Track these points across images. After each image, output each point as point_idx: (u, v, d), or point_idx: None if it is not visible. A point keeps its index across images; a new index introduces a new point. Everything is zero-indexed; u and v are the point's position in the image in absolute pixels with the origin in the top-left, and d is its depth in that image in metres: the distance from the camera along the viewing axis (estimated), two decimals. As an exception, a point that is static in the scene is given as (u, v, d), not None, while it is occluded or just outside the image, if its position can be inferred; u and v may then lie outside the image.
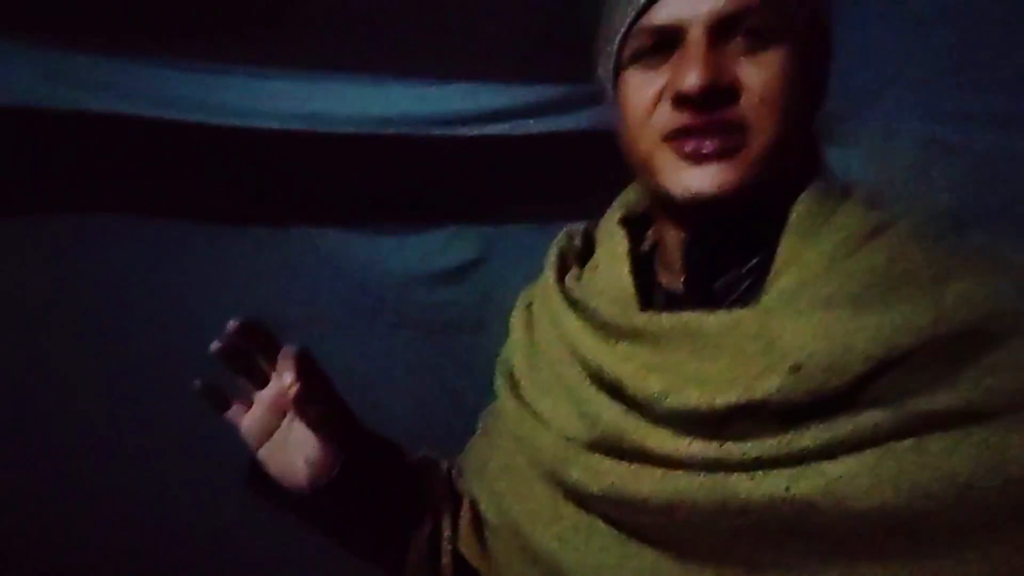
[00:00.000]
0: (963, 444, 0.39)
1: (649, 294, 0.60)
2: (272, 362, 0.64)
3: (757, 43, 0.50)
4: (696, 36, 0.50)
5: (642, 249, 0.65)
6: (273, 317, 2.41)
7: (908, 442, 0.40)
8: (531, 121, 1.87)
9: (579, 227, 0.72)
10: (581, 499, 0.50)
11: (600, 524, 0.49)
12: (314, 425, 0.62)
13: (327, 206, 2.17)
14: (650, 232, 0.67)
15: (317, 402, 0.62)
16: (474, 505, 0.64)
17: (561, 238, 0.71)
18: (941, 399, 0.40)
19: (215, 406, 0.67)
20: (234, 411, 0.66)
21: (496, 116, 1.84)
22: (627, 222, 0.64)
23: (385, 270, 2.26)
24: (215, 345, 0.62)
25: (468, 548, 0.64)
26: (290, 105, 1.71)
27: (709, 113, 0.50)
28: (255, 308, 2.35)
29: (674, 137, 0.52)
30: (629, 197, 0.68)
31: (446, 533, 0.66)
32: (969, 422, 0.40)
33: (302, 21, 1.53)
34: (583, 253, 0.69)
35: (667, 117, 0.52)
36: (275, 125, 1.71)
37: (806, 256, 0.49)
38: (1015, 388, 0.40)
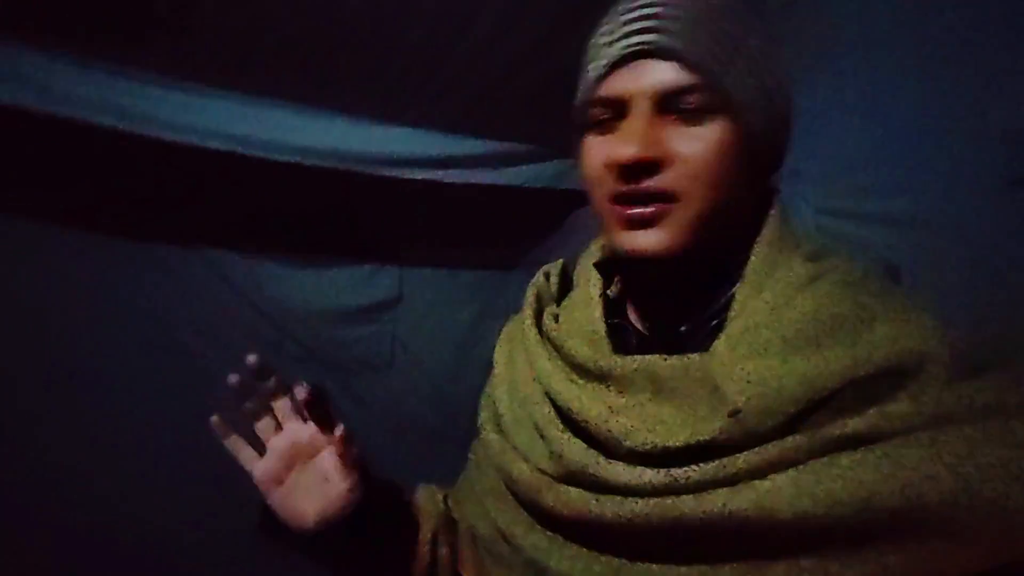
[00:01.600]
0: (868, 457, 0.45)
1: (624, 336, 0.64)
2: (281, 408, 0.67)
3: (693, 118, 0.54)
4: (639, 109, 0.55)
5: (614, 292, 0.69)
6: (169, 338, 2.24)
7: (824, 459, 0.46)
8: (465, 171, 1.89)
9: (556, 265, 0.75)
10: (554, 520, 0.56)
11: (572, 537, 0.55)
12: (352, 464, 0.65)
13: (240, 232, 2.08)
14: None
15: (355, 445, 0.65)
16: (471, 529, 0.69)
17: (538, 278, 0.74)
18: (851, 424, 0.47)
19: (227, 442, 0.68)
20: (245, 456, 0.67)
21: (428, 163, 1.85)
22: (602, 266, 0.68)
23: (294, 302, 2.18)
24: (232, 377, 0.64)
25: (467, 571, 0.67)
26: (226, 125, 1.63)
27: (637, 182, 0.54)
28: (150, 327, 2.19)
29: (616, 201, 0.56)
30: (605, 241, 0.70)
31: (444, 557, 0.70)
32: (873, 441, 0.46)
33: (259, 47, 1.48)
34: (561, 289, 0.73)
35: (610, 182, 0.56)
36: (203, 143, 1.61)
37: (752, 305, 0.55)
38: (912, 412, 0.46)
